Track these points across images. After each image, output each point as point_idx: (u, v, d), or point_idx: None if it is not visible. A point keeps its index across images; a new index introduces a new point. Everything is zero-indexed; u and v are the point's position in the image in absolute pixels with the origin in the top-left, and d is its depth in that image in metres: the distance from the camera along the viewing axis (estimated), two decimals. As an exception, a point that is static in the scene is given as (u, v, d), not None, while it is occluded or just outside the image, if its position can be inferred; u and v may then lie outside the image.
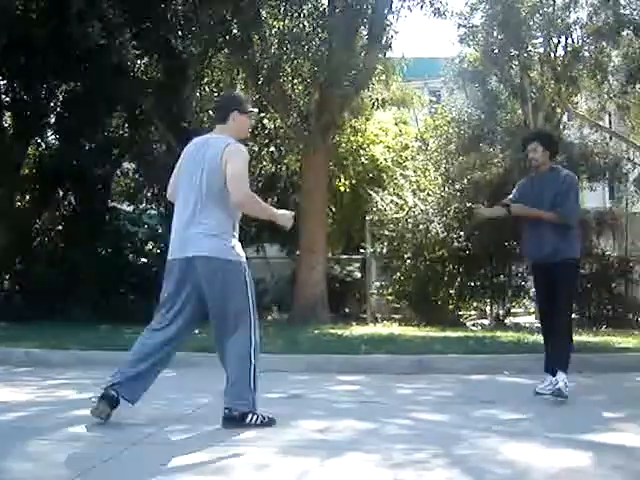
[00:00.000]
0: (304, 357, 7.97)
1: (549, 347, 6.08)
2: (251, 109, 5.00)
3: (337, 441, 4.41)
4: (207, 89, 15.36)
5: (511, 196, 6.35)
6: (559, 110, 16.60)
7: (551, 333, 6.06)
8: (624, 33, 15.45)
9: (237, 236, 4.76)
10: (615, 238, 14.55)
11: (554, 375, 5.78)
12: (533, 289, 15.06)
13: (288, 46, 13.15)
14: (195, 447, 4.17)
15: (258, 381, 4.64)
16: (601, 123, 17.65)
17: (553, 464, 3.83)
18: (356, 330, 11.05)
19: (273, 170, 16.17)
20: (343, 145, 16.11)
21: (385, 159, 16.74)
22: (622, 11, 15.30)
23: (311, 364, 7.72)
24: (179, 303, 4.70)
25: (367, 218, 14.41)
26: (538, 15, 15.83)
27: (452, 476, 3.64)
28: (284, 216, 4.92)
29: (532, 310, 15.43)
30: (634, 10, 15.40)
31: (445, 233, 13.53)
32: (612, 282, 13.75)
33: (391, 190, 14.58)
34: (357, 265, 15.88)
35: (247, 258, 4.80)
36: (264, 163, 16.23)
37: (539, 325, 6.47)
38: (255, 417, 4.59)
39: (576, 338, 9.23)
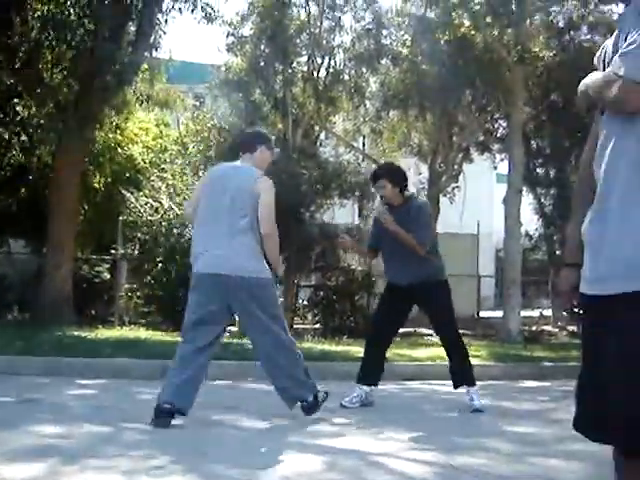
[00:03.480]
0: (43, 359, 7.60)
1: (373, 360, 6.19)
2: (275, 147, 5.64)
3: (72, 447, 4.22)
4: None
5: (371, 228, 6.41)
6: (317, 128, 17.17)
7: (383, 348, 6.25)
8: (383, 61, 16.32)
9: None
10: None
11: (373, 384, 6.11)
12: (281, 298, 15.50)
13: (50, 32, 12.55)
14: None
15: None
16: (355, 144, 18.48)
17: (287, 468, 3.91)
18: (102, 333, 10.70)
19: (23, 160, 15.28)
20: (101, 141, 15.61)
21: (143, 160, 16.45)
22: (383, 40, 16.17)
23: (51, 367, 7.38)
24: (212, 314, 5.11)
25: (120, 218, 14.05)
26: (305, 34, 16.32)
27: (187, 482, 3.62)
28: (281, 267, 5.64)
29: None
30: (394, 41, 16.33)
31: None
32: (356, 295, 14.40)
33: (147, 192, 14.32)
34: (107, 266, 15.42)
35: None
36: (14, 152, 15.31)
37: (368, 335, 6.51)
38: (322, 395, 5.29)
39: (320, 347, 9.63)
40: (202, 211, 5.17)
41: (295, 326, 14.56)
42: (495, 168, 19.60)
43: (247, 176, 5.12)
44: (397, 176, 6.13)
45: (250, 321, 5.19)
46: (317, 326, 14.04)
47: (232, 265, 5.00)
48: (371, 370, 6.16)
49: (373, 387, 6.17)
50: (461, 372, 6.09)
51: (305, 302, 15.29)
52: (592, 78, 2.09)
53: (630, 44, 1.93)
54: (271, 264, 5.20)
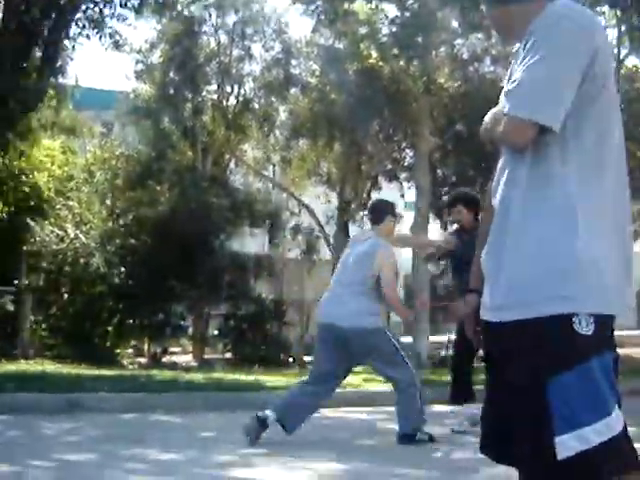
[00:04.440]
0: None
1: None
2: (399, 213, 6.64)
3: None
4: None
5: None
6: (227, 156, 17.16)
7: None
8: (292, 90, 16.48)
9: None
10: (272, 282, 15.25)
11: None
12: (191, 328, 15.36)
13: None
14: None
15: None
16: (265, 173, 18.51)
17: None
18: (5, 367, 10.33)
19: None
20: (4, 169, 15.16)
21: (49, 188, 16.07)
22: (292, 70, 16.33)
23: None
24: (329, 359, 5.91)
25: (24, 248, 13.65)
26: (214, 63, 16.35)
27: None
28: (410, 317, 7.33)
29: (190, 349, 15.63)
30: (303, 70, 16.51)
31: (106, 268, 13.25)
32: (267, 324, 14.36)
33: (52, 220, 13.99)
34: (10, 298, 14.91)
35: None
36: None
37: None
38: (421, 436, 5.72)
39: (230, 377, 9.56)
40: (336, 272, 6.20)
41: (205, 356, 14.43)
42: (402, 196, 19.92)
43: (369, 245, 5.95)
44: (472, 201, 6.59)
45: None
46: (228, 355, 13.93)
47: (347, 317, 5.73)
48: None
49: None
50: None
51: (216, 332, 15.16)
52: (489, 115, 2.16)
53: (513, 81, 2.01)
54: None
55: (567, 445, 1.90)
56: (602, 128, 2.05)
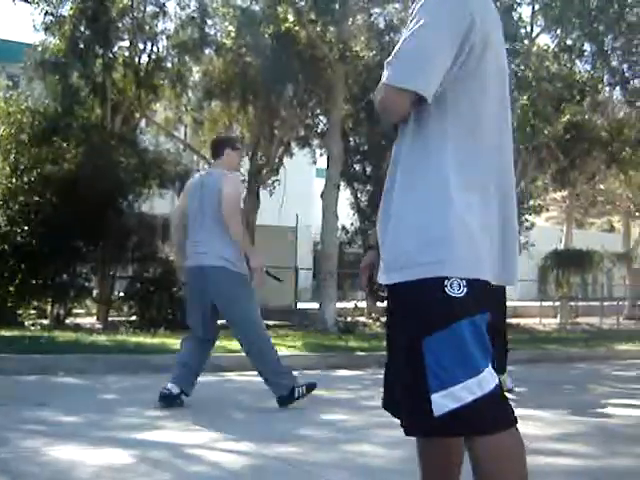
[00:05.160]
0: None
1: None
2: (240, 146, 6.37)
3: None
4: None
5: None
6: (138, 115, 16.81)
7: None
8: (207, 51, 16.23)
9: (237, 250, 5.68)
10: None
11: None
12: (96, 289, 15.08)
13: None
14: None
15: None
16: (176, 133, 18.24)
17: (97, 462, 3.84)
18: None
19: None
20: None
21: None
22: (207, 30, 16.06)
23: None
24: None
25: None
26: (127, 18, 15.92)
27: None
28: (257, 264, 5.68)
29: (94, 311, 15.37)
30: (218, 31, 16.27)
31: (8, 227, 12.86)
32: (173, 287, 14.22)
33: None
34: None
35: None
36: None
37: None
38: (299, 390, 5.73)
39: (134, 339, 9.46)
40: (189, 218, 5.86)
41: (110, 318, 14.22)
42: (315, 163, 19.96)
43: (214, 178, 5.79)
44: None
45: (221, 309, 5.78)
46: (134, 318, 13.76)
47: (208, 258, 5.63)
48: None
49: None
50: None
51: (122, 294, 14.93)
52: (378, 86, 2.19)
53: (395, 51, 2.06)
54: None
55: (440, 403, 1.99)
56: (481, 100, 2.11)
